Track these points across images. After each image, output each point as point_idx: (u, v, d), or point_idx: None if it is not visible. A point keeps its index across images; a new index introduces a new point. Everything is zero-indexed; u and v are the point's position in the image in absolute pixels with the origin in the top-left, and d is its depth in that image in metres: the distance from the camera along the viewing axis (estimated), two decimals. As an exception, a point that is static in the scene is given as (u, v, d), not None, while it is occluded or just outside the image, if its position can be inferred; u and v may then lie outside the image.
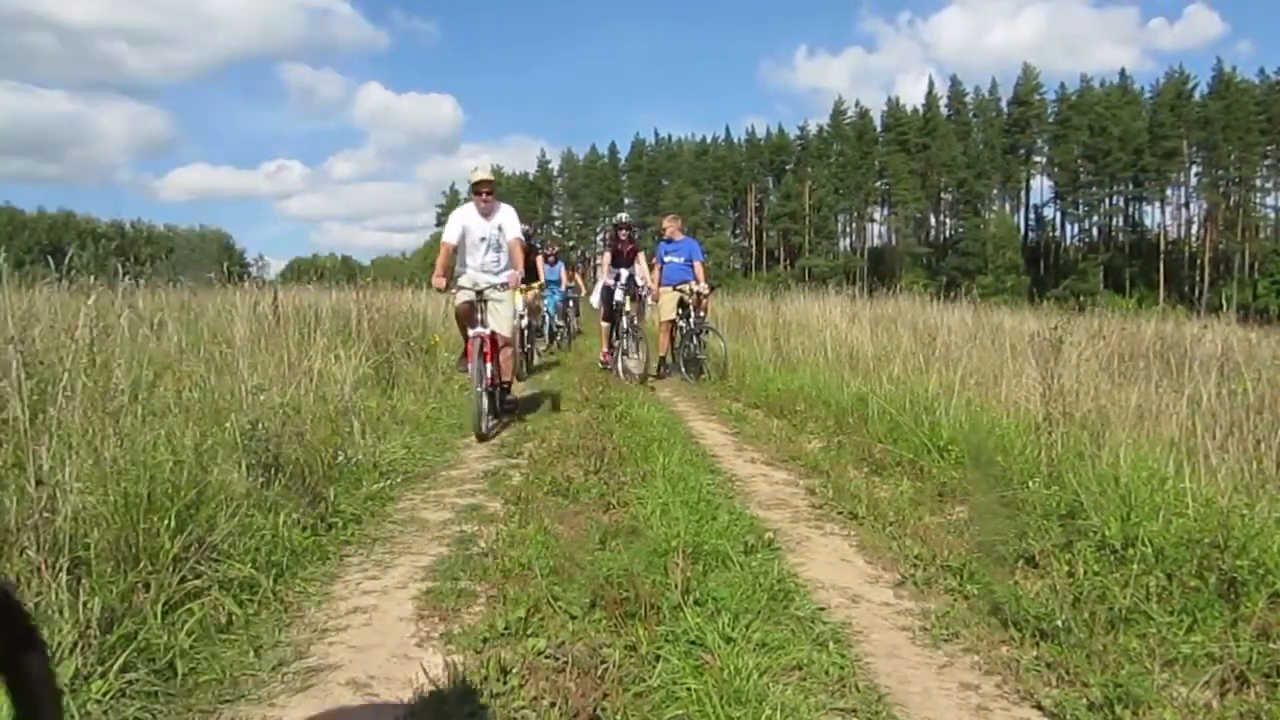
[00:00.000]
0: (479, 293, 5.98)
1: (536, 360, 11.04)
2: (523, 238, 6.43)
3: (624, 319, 9.09)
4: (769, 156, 79.67)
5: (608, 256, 9.79)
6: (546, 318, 13.11)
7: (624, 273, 9.48)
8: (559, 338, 13.85)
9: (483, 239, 6.25)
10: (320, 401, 5.02)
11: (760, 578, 2.83)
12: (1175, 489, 3.20)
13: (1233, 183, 65.11)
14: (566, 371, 10.08)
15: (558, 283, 13.77)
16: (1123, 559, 2.85)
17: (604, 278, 9.71)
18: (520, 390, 7.49)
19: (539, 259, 10.49)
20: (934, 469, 4.48)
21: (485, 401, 5.86)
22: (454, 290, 6.12)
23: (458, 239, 6.17)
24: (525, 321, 9.64)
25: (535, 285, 10.37)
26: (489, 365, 5.88)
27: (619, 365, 9.12)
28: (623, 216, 9.98)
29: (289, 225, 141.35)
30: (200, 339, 5.40)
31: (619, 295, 9.26)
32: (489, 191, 6.24)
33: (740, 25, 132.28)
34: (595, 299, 10.17)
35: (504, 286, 6.07)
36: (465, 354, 6.21)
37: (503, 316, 6.14)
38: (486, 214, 6.27)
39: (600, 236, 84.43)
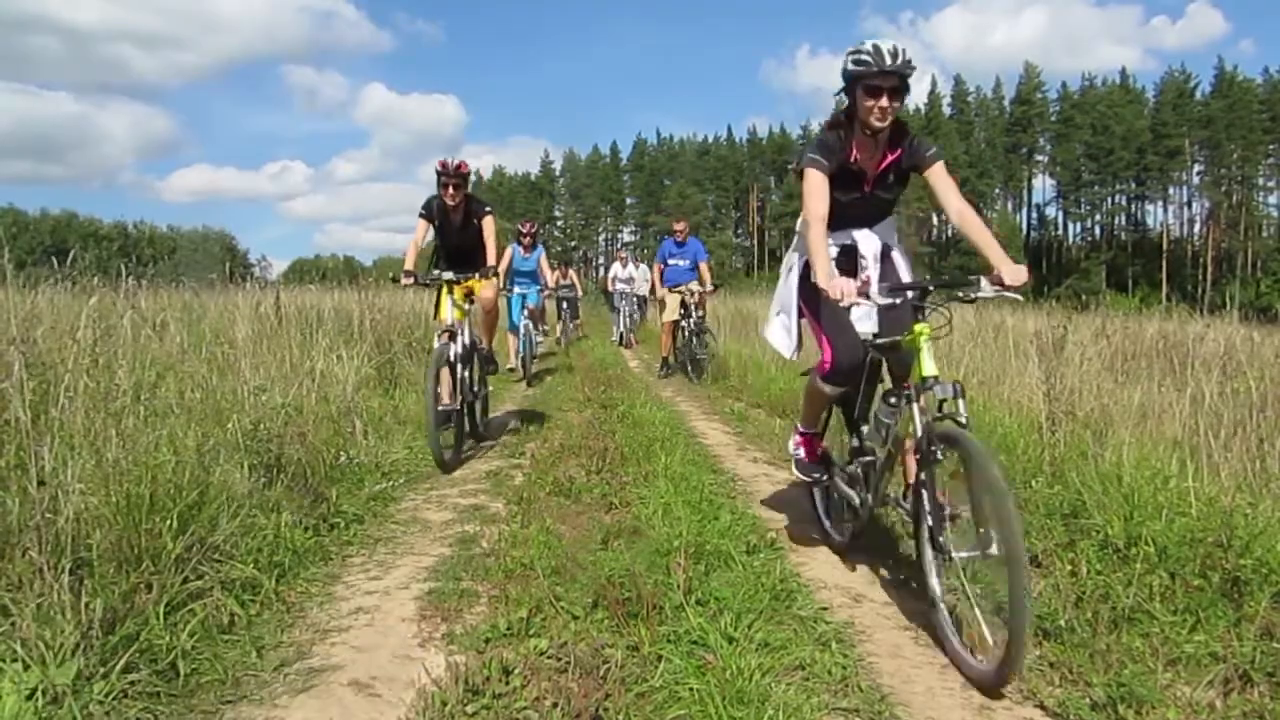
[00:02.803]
0: None
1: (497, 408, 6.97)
2: None
3: (908, 407, 2.72)
4: (771, 156, 79.56)
5: (815, 180, 2.94)
6: (522, 332, 9.44)
7: (865, 242, 3.19)
8: (526, 357, 9.49)
9: None
10: (322, 402, 5.02)
11: (763, 577, 2.83)
12: (1178, 488, 3.19)
13: (1235, 181, 64.99)
14: (568, 372, 10.07)
15: (533, 276, 9.71)
16: (1126, 558, 2.84)
17: (798, 250, 3.28)
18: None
19: (486, 220, 5.67)
20: (936, 468, 4.46)
21: None
22: None
23: None
24: (468, 340, 5.35)
25: (492, 276, 5.56)
26: None
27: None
28: (881, 50, 2.78)
29: (292, 226, 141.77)
30: (203, 340, 5.40)
31: (867, 317, 3.08)
32: None
33: (742, 25, 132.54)
34: (775, 334, 3.35)
35: None
36: None
37: None
38: None
39: (602, 236, 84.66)
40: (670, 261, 9.72)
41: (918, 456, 2.65)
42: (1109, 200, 70.91)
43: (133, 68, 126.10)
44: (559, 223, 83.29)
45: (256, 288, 8.05)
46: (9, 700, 1.86)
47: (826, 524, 3.55)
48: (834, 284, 2.69)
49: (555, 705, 1.97)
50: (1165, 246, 65.07)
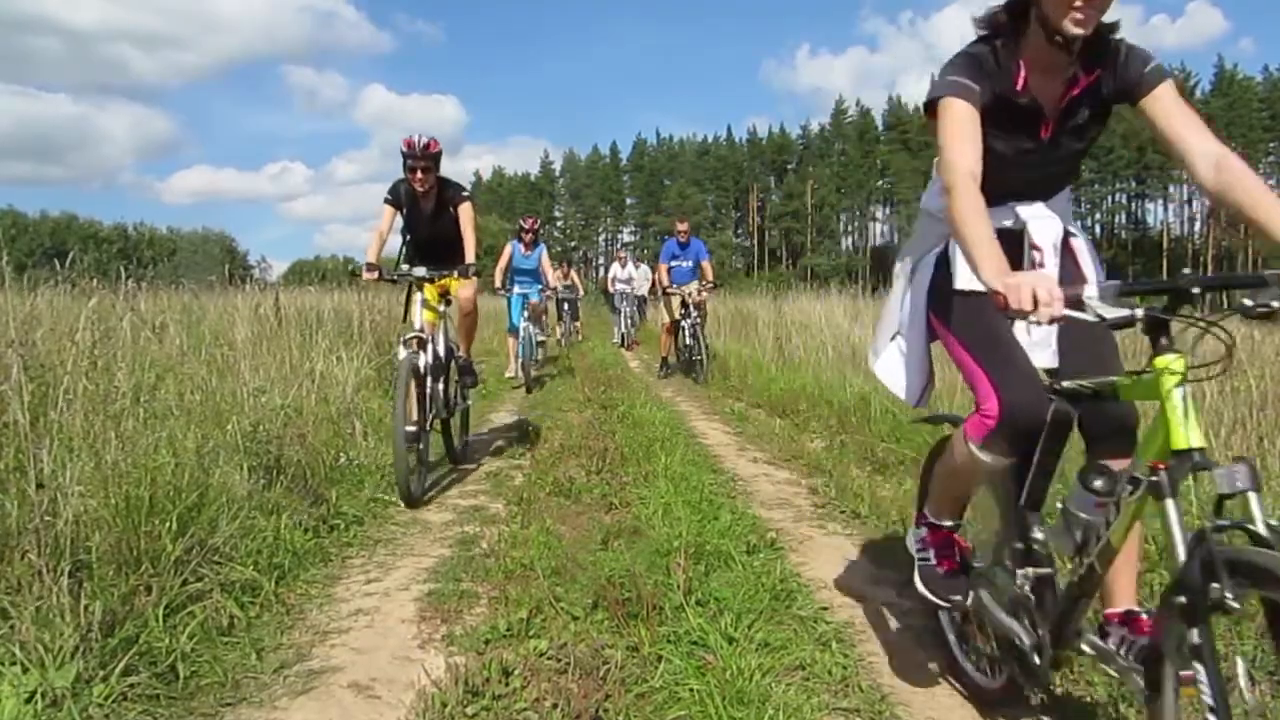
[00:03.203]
0: None
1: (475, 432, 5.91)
2: None
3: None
4: (771, 156, 79.66)
5: (959, 115, 1.81)
6: (523, 334, 8.88)
7: (1038, 225, 1.99)
8: (526, 362, 8.88)
9: None
10: (322, 403, 5.02)
11: (763, 578, 2.82)
12: (1179, 487, 3.18)
13: (1236, 179, 65.01)
14: (568, 374, 10.07)
15: (535, 274, 9.34)
16: (1126, 557, 2.83)
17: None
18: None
19: (464, 208, 4.81)
20: (937, 468, 4.46)
21: None
22: None
23: None
24: (442, 349, 4.66)
25: (472, 275, 4.76)
26: None
27: None
28: None
29: (292, 227, 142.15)
30: (202, 341, 5.40)
31: (1044, 344, 2.06)
32: None
33: (742, 25, 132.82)
34: (890, 369, 2.38)
35: None
36: None
37: None
38: None
39: (602, 236, 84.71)
40: (673, 263, 9.75)
41: (1183, 599, 1.39)
42: (1109, 199, 70.92)
43: (132, 68, 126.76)
44: (559, 223, 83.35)
45: (256, 289, 8.06)
46: (8, 703, 1.85)
47: (959, 656, 2.27)
48: (1019, 284, 1.45)
49: (555, 706, 1.96)
50: (1165, 245, 65.06)
